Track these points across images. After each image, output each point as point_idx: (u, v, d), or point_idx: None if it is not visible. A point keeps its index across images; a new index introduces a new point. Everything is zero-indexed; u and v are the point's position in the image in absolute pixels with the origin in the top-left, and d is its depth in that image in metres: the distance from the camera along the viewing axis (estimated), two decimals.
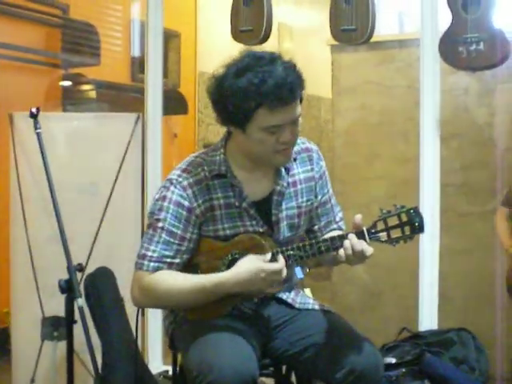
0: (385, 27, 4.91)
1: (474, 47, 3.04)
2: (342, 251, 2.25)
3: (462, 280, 4.08)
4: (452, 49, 3.08)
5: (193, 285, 2.32)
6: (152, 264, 2.36)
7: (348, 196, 4.59)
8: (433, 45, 3.20)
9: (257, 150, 2.31)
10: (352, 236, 2.24)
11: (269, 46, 3.71)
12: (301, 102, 2.29)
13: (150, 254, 2.36)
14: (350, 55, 4.62)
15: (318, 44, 4.96)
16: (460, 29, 3.08)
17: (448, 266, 3.78)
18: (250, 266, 2.27)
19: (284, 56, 2.28)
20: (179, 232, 2.36)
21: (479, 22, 3.06)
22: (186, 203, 2.35)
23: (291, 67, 2.24)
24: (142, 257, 2.38)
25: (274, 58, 2.23)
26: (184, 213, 2.35)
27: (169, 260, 2.36)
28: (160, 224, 2.36)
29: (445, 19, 3.22)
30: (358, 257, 2.23)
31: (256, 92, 2.17)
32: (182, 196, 2.35)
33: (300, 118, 2.30)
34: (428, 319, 3.29)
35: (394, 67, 4.47)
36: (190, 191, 2.35)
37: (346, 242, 2.23)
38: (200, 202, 2.36)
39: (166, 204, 2.36)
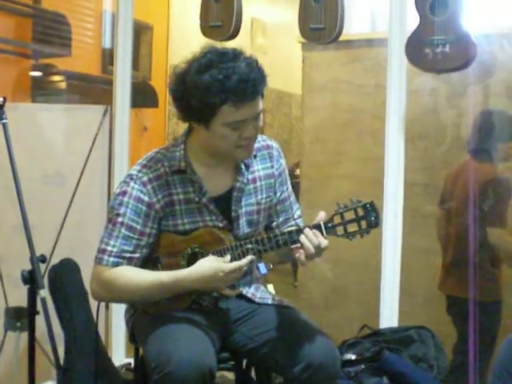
0: (357, 26, 4.93)
1: (439, 49, 3.05)
2: (301, 253, 2.27)
3: (425, 279, 4.12)
4: (418, 50, 3.10)
5: (151, 280, 2.34)
6: (112, 259, 2.38)
7: (315, 194, 4.62)
8: (400, 45, 3.22)
9: (219, 145, 2.33)
10: (308, 231, 2.27)
11: (241, 42, 3.71)
12: (262, 97, 2.31)
13: (109, 248, 2.38)
14: (321, 53, 4.65)
15: (291, 41, 4.98)
16: (427, 31, 3.09)
17: (412, 264, 3.83)
18: (209, 264, 2.31)
19: (245, 52, 2.31)
20: (139, 227, 2.38)
21: (446, 25, 3.08)
22: (146, 198, 2.37)
23: (253, 63, 2.26)
24: (101, 251, 2.39)
25: (236, 54, 2.25)
26: (144, 208, 2.37)
27: (128, 255, 2.38)
28: (120, 219, 2.37)
29: (414, 21, 3.24)
30: (315, 251, 2.26)
31: (220, 88, 2.19)
32: (141, 191, 2.37)
33: (261, 114, 2.33)
34: (388, 317, 3.31)
35: (364, 66, 4.50)
36: (149, 186, 2.37)
37: (302, 237, 2.26)
38: (160, 197, 2.38)
39: (125, 199, 2.37)
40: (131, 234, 2.38)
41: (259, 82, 2.25)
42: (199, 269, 2.31)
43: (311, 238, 2.25)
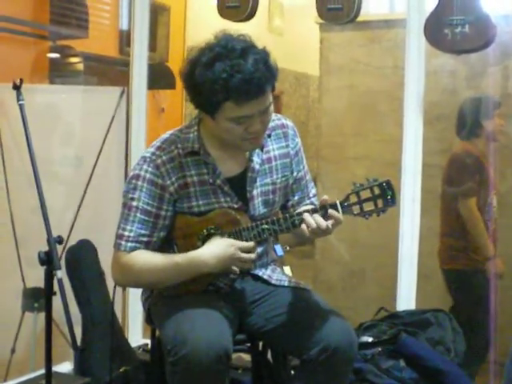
0: (376, 7, 4.90)
1: (459, 30, 3.02)
2: (304, 226, 2.26)
3: None
4: (437, 30, 3.07)
5: (166, 262, 2.36)
6: (129, 244, 2.38)
7: (332, 175, 4.61)
8: (418, 26, 3.18)
9: (224, 136, 2.34)
10: (316, 216, 2.24)
11: (258, 23, 3.69)
12: (273, 90, 2.28)
13: (126, 233, 2.38)
14: (339, 34, 4.62)
15: (309, 22, 4.94)
16: (446, 10, 3.06)
17: (430, 246, 3.81)
18: (220, 241, 2.34)
19: (258, 45, 2.26)
20: (154, 210, 2.38)
21: (466, 5, 3.04)
22: (160, 181, 2.37)
23: (262, 60, 2.21)
24: (119, 237, 2.40)
25: (245, 50, 2.20)
26: (158, 191, 2.37)
27: (145, 239, 2.39)
28: (134, 203, 2.38)
29: (433, 1, 3.20)
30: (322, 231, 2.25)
31: (223, 86, 2.16)
32: (155, 174, 2.37)
33: (271, 107, 2.30)
34: (406, 300, 3.31)
35: (382, 47, 4.47)
36: (163, 169, 2.37)
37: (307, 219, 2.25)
38: (173, 179, 2.37)
39: (139, 183, 2.38)
40: (147, 218, 2.38)
41: (265, 80, 2.20)
42: (211, 245, 2.35)
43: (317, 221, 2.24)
